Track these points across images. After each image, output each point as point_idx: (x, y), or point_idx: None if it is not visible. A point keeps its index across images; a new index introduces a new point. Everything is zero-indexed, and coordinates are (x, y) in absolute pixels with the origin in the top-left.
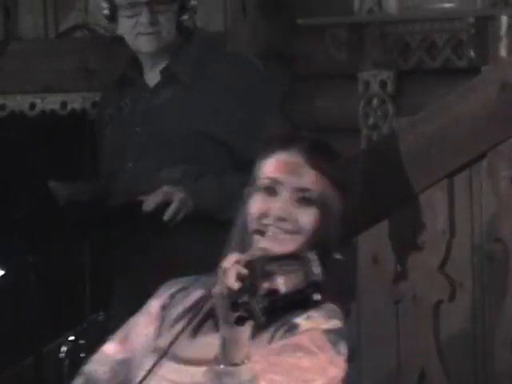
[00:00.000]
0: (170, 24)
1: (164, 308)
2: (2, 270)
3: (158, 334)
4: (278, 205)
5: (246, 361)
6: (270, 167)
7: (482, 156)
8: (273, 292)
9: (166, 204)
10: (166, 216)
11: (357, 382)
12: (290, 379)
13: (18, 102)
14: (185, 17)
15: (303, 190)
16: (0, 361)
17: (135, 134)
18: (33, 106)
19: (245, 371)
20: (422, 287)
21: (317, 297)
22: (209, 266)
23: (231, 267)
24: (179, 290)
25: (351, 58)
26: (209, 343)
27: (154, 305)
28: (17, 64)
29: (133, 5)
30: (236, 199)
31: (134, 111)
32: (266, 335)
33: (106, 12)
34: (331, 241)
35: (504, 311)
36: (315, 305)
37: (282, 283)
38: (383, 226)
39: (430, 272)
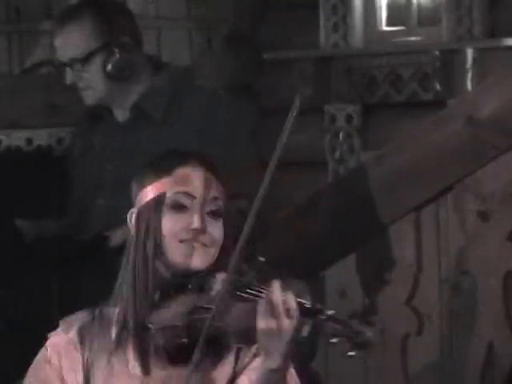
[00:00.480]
0: (94, 76)
1: (84, 350)
2: None
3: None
4: (197, 219)
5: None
6: (174, 182)
7: (449, 189)
8: None
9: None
10: None
11: None
12: None
13: None
14: (112, 61)
15: (214, 199)
16: None
17: (107, 172)
18: None
19: None
20: (389, 320)
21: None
22: None
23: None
24: (85, 327)
25: (317, 92)
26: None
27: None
28: None
29: (61, 65)
30: None
31: (104, 148)
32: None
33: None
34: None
35: (472, 343)
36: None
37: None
38: (350, 260)
39: (398, 305)
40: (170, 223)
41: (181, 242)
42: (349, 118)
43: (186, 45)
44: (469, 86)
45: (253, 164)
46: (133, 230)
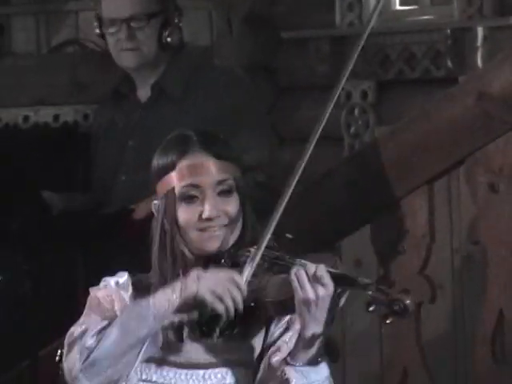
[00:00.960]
0: (149, 40)
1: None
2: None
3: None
4: (208, 206)
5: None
6: (181, 176)
7: (460, 163)
8: None
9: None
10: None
11: (341, 382)
12: None
13: (12, 115)
14: (166, 33)
15: (221, 182)
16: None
17: (128, 148)
18: (26, 118)
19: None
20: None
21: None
22: None
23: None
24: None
25: (333, 70)
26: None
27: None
28: (10, 78)
29: (113, 22)
30: None
31: (126, 126)
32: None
33: (96, 30)
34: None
35: (483, 311)
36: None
37: (271, 293)
38: (365, 231)
39: (411, 275)
40: (184, 215)
41: (201, 231)
42: (364, 95)
43: (206, 25)
44: (479, 63)
45: (268, 139)
46: (155, 221)
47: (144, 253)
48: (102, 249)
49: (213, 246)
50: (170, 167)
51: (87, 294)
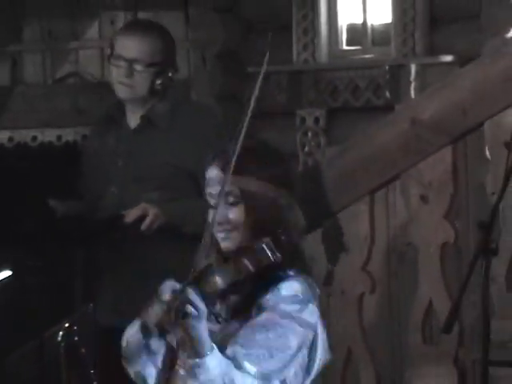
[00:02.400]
0: (143, 83)
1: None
2: (9, 270)
3: None
4: (218, 215)
5: (210, 351)
6: (204, 185)
7: (396, 177)
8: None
9: (143, 217)
10: (143, 226)
11: None
12: (265, 350)
13: (23, 135)
14: (158, 82)
15: (227, 193)
16: (10, 343)
17: (118, 167)
18: (34, 138)
19: (211, 358)
20: (348, 282)
21: (283, 273)
22: (170, 269)
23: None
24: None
25: (290, 99)
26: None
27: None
28: (21, 104)
29: (119, 57)
30: (196, 218)
31: (117, 147)
32: (238, 317)
33: (108, 56)
34: (274, 225)
35: (415, 302)
36: (279, 281)
37: (219, 282)
38: (318, 234)
39: (355, 270)
40: (209, 218)
41: (218, 232)
42: (316, 120)
43: (185, 61)
44: (412, 94)
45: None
46: None
47: (129, 253)
48: (97, 248)
49: (225, 246)
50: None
51: (88, 283)
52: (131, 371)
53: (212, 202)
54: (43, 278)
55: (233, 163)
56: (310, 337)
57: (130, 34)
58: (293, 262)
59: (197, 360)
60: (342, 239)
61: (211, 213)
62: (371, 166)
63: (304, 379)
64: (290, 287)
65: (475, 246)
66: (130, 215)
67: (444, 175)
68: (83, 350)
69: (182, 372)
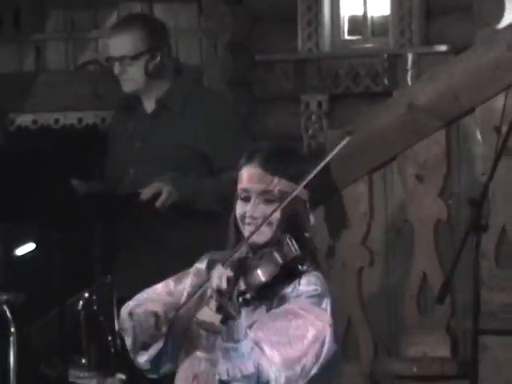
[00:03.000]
0: (137, 72)
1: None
2: (34, 243)
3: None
4: (250, 208)
5: (244, 337)
6: (241, 180)
7: (394, 158)
8: (242, 294)
9: (157, 195)
10: (158, 203)
11: None
12: (285, 338)
13: (46, 118)
14: (150, 67)
15: (265, 192)
16: (34, 311)
17: (136, 149)
18: (57, 121)
19: (245, 344)
20: (349, 256)
21: (302, 268)
22: (183, 244)
23: (220, 279)
24: (208, 265)
25: (295, 85)
26: (256, 312)
27: (191, 274)
28: (45, 90)
29: (111, 58)
30: (207, 196)
31: (135, 131)
32: (261, 307)
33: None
34: (301, 224)
35: (410, 275)
36: (301, 275)
37: (260, 274)
38: (320, 211)
39: (355, 245)
40: (238, 209)
41: (246, 224)
42: (319, 105)
43: (197, 50)
44: (409, 81)
45: (243, 144)
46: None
47: (145, 228)
48: (115, 224)
49: (253, 239)
50: (240, 169)
51: (106, 256)
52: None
53: (243, 195)
54: (65, 252)
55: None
56: (325, 329)
57: (113, 35)
58: (310, 258)
59: (233, 344)
60: (343, 216)
61: (240, 205)
62: (370, 148)
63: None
64: (310, 281)
65: (466, 222)
66: (146, 193)
67: (438, 156)
68: (101, 319)
69: (207, 356)
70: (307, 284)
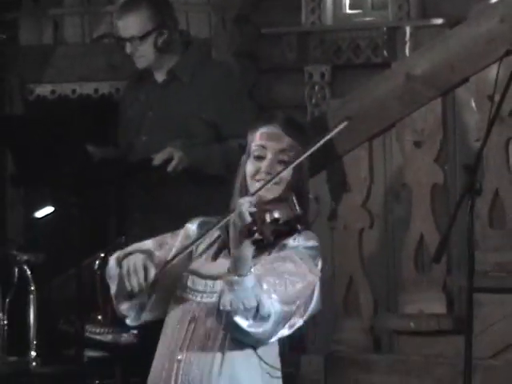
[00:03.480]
0: (148, 49)
1: (189, 238)
2: (52, 206)
3: (190, 257)
4: (266, 163)
5: (249, 273)
6: (258, 137)
7: (393, 126)
8: (275, 220)
9: (169, 160)
10: (169, 168)
11: None
12: (280, 280)
13: (64, 89)
14: (159, 43)
15: (282, 151)
16: (53, 271)
17: (148, 117)
18: (74, 91)
19: (249, 279)
20: (350, 219)
21: (300, 226)
22: (193, 206)
23: (245, 207)
24: (204, 224)
25: (299, 57)
26: (225, 264)
27: (188, 230)
28: (63, 62)
29: (122, 39)
30: (215, 161)
31: (147, 100)
32: (265, 253)
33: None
34: (305, 186)
35: (408, 236)
36: (299, 232)
37: (279, 215)
38: (322, 175)
39: (356, 207)
40: (249, 167)
41: (256, 181)
42: (322, 75)
43: (207, 23)
44: (407, 53)
45: (250, 113)
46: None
47: (157, 192)
48: (128, 187)
49: (263, 194)
50: (255, 129)
51: (120, 218)
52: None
53: (257, 153)
54: (83, 214)
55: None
56: (315, 282)
57: (121, 17)
58: (309, 218)
59: (238, 277)
60: (344, 180)
61: (253, 163)
62: (370, 116)
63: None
64: (309, 237)
65: (461, 186)
66: (158, 158)
67: (434, 124)
68: None
69: (204, 300)
70: (307, 238)
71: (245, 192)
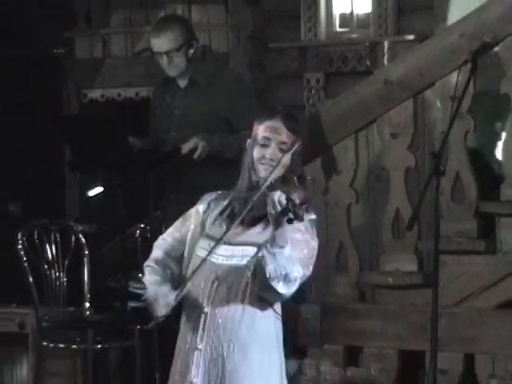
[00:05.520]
0: (180, 59)
1: (205, 211)
2: (101, 187)
3: (203, 227)
4: (270, 151)
5: (285, 244)
6: (263, 130)
7: (374, 121)
8: (303, 203)
9: (194, 149)
10: (195, 155)
11: None
12: (298, 246)
13: (111, 93)
14: (190, 53)
15: (282, 142)
16: (102, 239)
17: (175, 115)
18: (119, 94)
19: (287, 249)
20: (340, 196)
21: (304, 204)
22: (214, 186)
23: (277, 196)
24: (212, 200)
25: (299, 66)
26: (259, 233)
27: (198, 208)
28: (110, 71)
29: (157, 54)
30: (232, 148)
31: (172, 101)
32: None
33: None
34: (301, 170)
35: (386, 209)
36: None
37: (297, 197)
38: (318, 161)
39: (344, 187)
40: (256, 153)
41: (262, 164)
42: (317, 81)
43: (225, 40)
44: (385, 62)
45: (258, 112)
46: (245, 153)
47: (185, 176)
48: (163, 173)
49: (266, 174)
50: (261, 122)
51: (157, 196)
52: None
53: (262, 142)
54: (126, 193)
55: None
56: (316, 247)
57: (157, 34)
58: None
59: (279, 249)
60: (335, 165)
61: (259, 150)
62: (356, 113)
63: None
64: (311, 210)
65: (429, 169)
66: (185, 147)
67: (407, 119)
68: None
69: (226, 262)
70: (309, 212)
71: (253, 170)
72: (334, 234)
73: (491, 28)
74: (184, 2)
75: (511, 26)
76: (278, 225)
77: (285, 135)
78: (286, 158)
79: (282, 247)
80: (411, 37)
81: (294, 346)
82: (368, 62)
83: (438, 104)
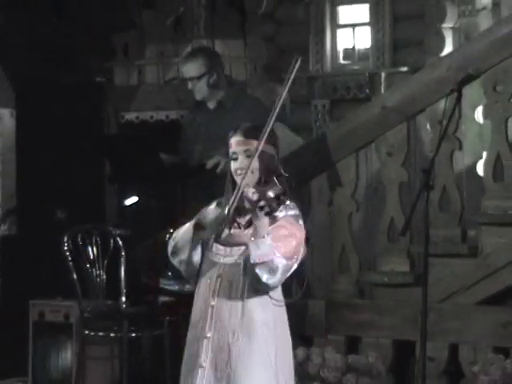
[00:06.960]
0: (203, 85)
1: (208, 212)
2: (137, 197)
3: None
4: (239, 162)
5: (266, 235)
6: (231, 146)
7: (372, 141)
8: (276, 196)
9: (217, 164)
10: (218, 170)
11: (310, 253)
12: (283, 240)
13: (145, 115)
14: (211, 82)
15: (245, 150)
16: (136, 241)
17: (202, 133)
18: (152, 117)
19: (268, 238)
20: (343, 205)
21: (286, 201)
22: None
23: (250, 191)
24: (216, 204)
25: (308, 94)
26: (235, 236)
27: (204, 210)
28: (144, 96)
29: (185, 79)
30: None
31: (202, 122)
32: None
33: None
34: (277, 170)
35: (383, 218)
36: (285, 204)
37: (272, 192)
38: (323, 175)
39: (347, 198)
40: (231, 167)
41: (237, 175)
42: (323, 107)
43: (243, 70)
44: (382, 90)
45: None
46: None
47: (210, 185)
48: (190, 185)
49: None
50: (229, 141)
51: (184, 205)
52: (176, 260)
53: (234, 156)
54: (157, 202)
55: (266, 133)
56: (302, 240)
57: (184, 64)
58: (287, 191)
59: (261, 238)
60: (338, 179)
61: (232, 164)
62: (356, 134)
63: None
64: (291, 207)
65: (420, 183)
66: (209, 163)
67: (401, 140)
68: None
69: (227, 260)
70: (290, 208)
71: (233, 183)
72: (337, 239)
73: (474, 61)
74: (208, 37)
75: (492, 59)
76: (256, 218)
77: (248, 143)
78: (254, 162)
79: (263, 237)
80: (405, 68)
81: (302, 336)
82: (367, 91)
83: (428, 127)
